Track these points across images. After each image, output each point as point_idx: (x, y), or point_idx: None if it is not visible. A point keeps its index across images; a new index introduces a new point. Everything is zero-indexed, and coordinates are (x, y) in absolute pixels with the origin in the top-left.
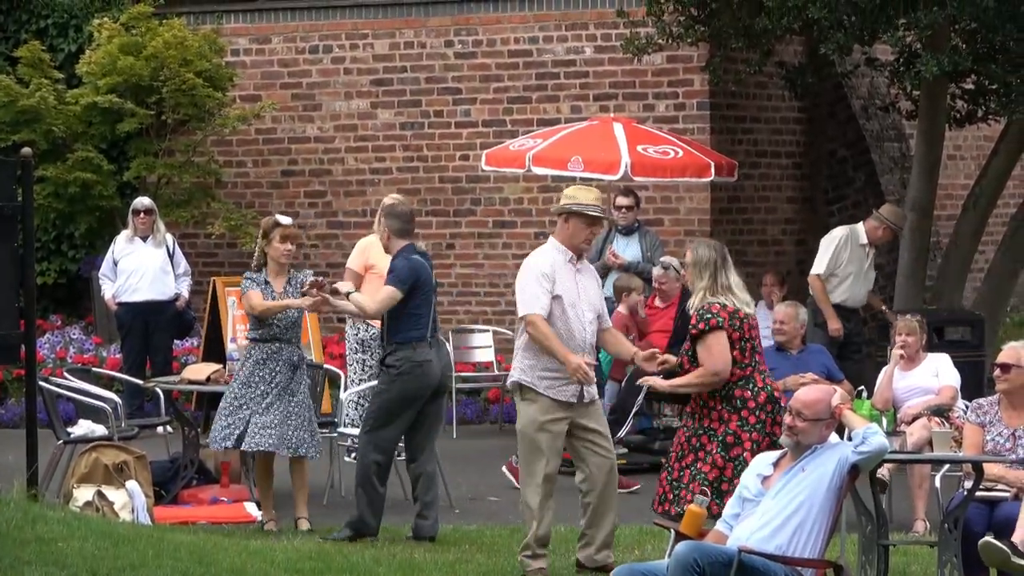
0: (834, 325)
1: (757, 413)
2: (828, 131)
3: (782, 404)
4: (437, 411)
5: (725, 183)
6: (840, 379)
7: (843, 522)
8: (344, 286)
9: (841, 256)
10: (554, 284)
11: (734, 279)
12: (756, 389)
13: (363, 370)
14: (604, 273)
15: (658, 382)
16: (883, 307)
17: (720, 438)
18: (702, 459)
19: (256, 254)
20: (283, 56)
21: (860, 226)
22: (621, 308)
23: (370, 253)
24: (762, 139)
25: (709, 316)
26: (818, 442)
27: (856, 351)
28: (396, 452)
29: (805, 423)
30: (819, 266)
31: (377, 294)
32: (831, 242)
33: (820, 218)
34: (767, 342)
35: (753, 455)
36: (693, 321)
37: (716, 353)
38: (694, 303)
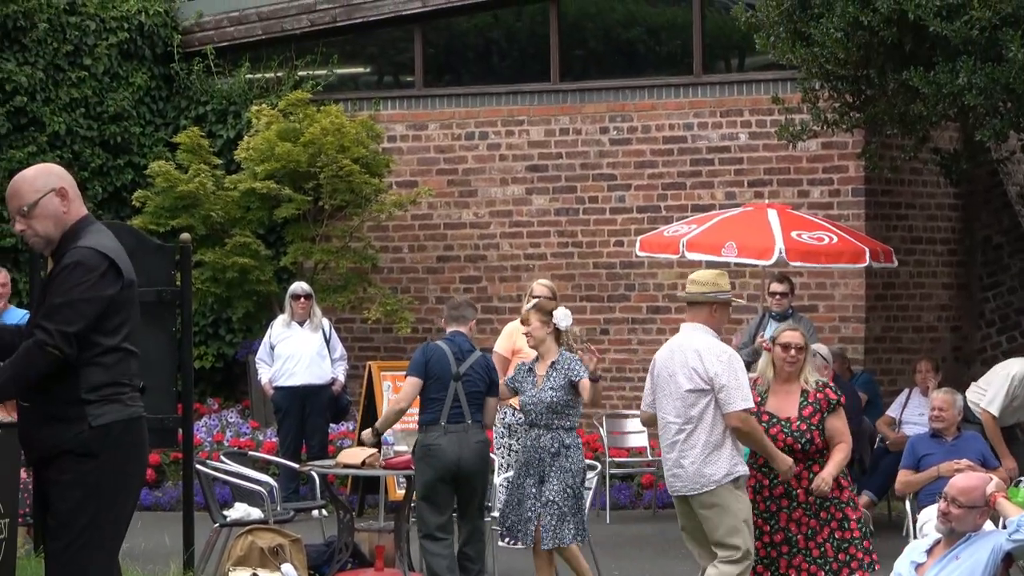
0: (1009, 464)
1: (850, 477)
2: (983, 217)
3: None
4: (468, 496)
5: (880, 270)
6: (996, 466)
7: None
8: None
9: (1014, 393)
10: None
11: None
12: None
13: (509, 454)
14: (756, 359)
15: (823, 485)
16: None
17: (844, 503)
18: (840, 527)
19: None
20: (439, 142)
21: None
22: None
23: (517, 337)
24: (917, 225)
25: (839, 392)
26: (972, 530)
27: (1012, 439)
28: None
29: (960, 510)
30: (994, 405)
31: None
32: (1006, 380)
33: (976, 304)
34: (923, 428)
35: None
36: (832, 397)
37: (847, 427)
38: (810, 380)
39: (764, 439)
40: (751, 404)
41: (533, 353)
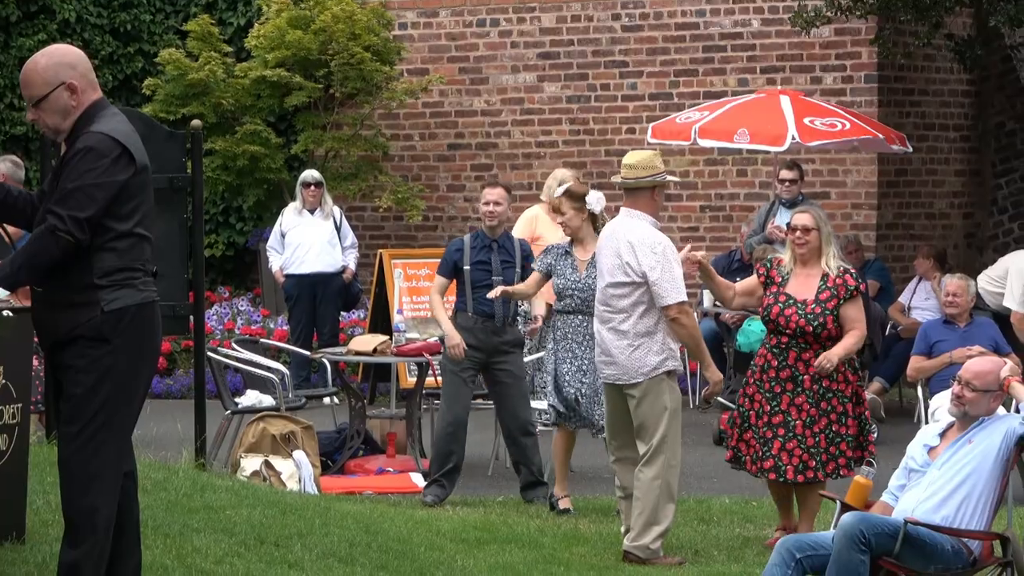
0: None
1: (859, 372)
2: (996, 104)
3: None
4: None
5: (892, 157)
6: (1007, 352)
7: (1010, 494)
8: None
9: None
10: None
11: None
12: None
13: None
14: (765, 244)
15: (826, 363)
16: None
17: (848, 398)
18: (837, 421)
19: None
20: (450, 30)
21: None
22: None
23: (537, 224)
24: (930, 112)
25: (859, 279)
26: (986, 414)
27: None
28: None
29: (974, 393)
30: (1016, 302)
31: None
32: (1021, 275)
33: (988, 191)
34: (930, 314)
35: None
36: (851, 283)
37: (864, 316)
38: (832, 264)
39: (699, 337)
40: (685, 296)
41: (553, 241)
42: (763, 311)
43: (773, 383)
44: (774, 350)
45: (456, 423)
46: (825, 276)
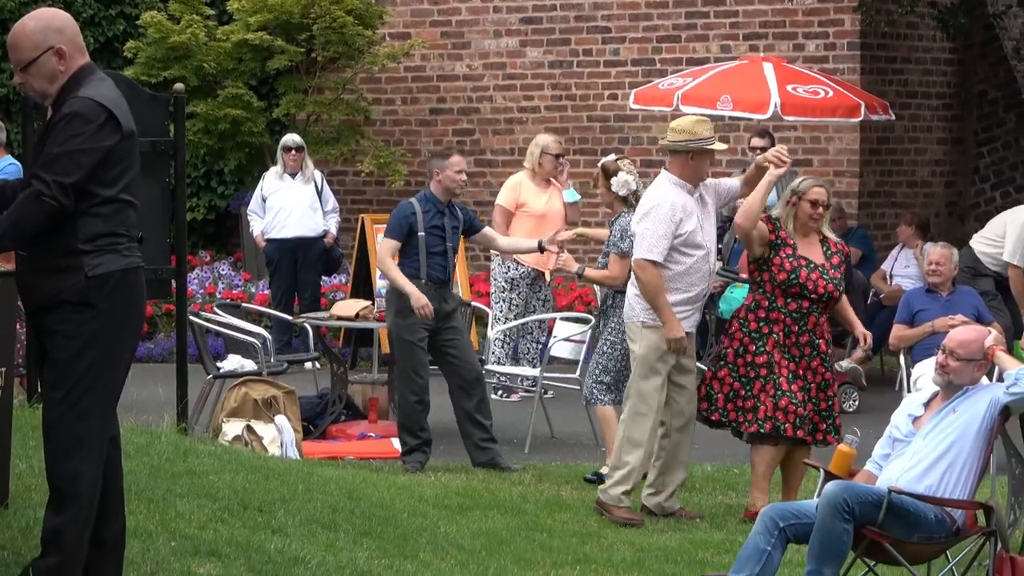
0: None
1: None
2: (979, 72)
3: None
4: None
5: (875, 124)
6: (990, 321)
7: (993, 464)
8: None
9: None
10: (680, 224)
11: None
12: None
13: (509, 308)
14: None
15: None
16: None
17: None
18: (831, 384)
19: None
20: None
21: None
22: None
23: (521, 191)
24: (913, 80)
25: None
26: (970, 383)
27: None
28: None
29: (958, 363)
30: (1015, 255)
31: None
32: (1020, 227)
33: (970, 159)
34: (910, 282)
35: None
36: (846, 249)
37: None
38: (828, 231)
39: (659, 296)
40: (656, 257)
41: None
42: (786, 275)
43: (793, 348)
44: (793, 315)
45: (422, 391)
46: (825, 241)
